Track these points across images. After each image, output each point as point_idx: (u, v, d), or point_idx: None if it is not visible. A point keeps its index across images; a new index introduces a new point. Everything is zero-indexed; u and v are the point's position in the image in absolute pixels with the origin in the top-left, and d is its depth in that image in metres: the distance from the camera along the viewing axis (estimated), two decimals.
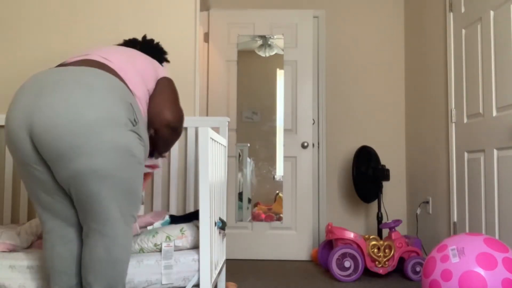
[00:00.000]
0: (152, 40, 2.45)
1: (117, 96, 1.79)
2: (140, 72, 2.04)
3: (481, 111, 3.11)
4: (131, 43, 2.41)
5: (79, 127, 1.69)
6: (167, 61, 2.52)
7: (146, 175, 2.31)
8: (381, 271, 3.37)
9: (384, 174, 3.81)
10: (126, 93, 1.86)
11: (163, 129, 2.05)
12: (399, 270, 3.53)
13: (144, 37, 2.46)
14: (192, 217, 2.50)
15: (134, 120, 1.84)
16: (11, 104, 1.81)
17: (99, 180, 1.74)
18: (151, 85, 2.09)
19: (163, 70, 2.19)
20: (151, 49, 2.41)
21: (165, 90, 2.09)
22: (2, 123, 2.94)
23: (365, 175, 3.97)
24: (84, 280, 1.84)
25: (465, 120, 3.33)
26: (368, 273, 3.55)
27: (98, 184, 1.74)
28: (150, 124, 2.06)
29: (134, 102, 1.88)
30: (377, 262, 3.38)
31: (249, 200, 4.26)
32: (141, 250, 2.23)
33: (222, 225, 2.41)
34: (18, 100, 1.77)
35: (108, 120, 1.73)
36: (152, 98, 2.07)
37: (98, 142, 1.71)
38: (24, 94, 1.77)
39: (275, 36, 4.31)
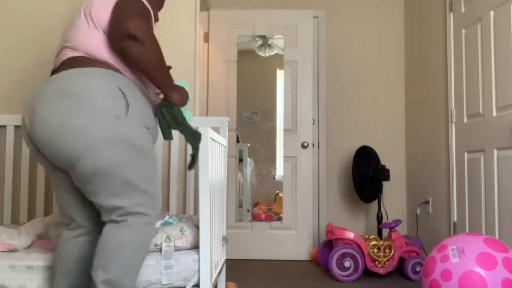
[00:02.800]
0: None
1: (100, 91, 1.75)
2: (98, 21, 1.83)
3: (481, 111, 3.11)
4: None
5: (68, 136, 1.71)
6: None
7: None
8: (381, 271, 3.37)
9: (384, 174, 3.81)
10: (109, 78, 1.79)
11: (125, 46, 1.75)
12: (399, 270, 3.53)
13: None
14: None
15: (126, 105, 1.78)
16: None
17: (103, 177, 1.75)
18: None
19: None
20: None
21: (121, 7, 1.80)
22: (2, 123, 2.95)
23: (365, 175, 3.97)
24: (92, 268, 1.80)
25: (465, 120, 3.33)
26: (368, 273, 3.55)
27: (103, 180, 1.75)
28: (113, 49, 1.83)
29: (118, 79, 1.80)
30: (377, 262, 3.38)
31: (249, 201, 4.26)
32: None
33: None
34: (23, 116, 1.85)
35: (96, 121, 1.72)
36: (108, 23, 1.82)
37: (92, 145, 1.72)
38: (23, 111, 1.84)
39: (275, 36, 4.31)
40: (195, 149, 1.98)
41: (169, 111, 1.95)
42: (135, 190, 1.79)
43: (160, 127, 1.98)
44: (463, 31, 3.35)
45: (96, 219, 1.93)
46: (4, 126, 2.98)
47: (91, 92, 1.75)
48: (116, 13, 1.78)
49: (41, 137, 1.75)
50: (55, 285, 1.93)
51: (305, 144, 4.21)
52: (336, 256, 3.34)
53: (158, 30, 3.08)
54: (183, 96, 1.98)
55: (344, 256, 3.34)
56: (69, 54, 1.85)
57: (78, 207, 1.94)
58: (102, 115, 1.73)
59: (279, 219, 4.21)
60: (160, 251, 2.19)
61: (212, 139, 2.27)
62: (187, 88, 2.05)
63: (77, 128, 1.71)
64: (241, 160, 4.25)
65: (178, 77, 3.08)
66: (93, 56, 1.83)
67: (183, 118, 1.98)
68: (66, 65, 1.84)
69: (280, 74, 4.32)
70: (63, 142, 1.72)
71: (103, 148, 1.73)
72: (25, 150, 2.94)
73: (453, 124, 3.49)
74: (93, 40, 1.83)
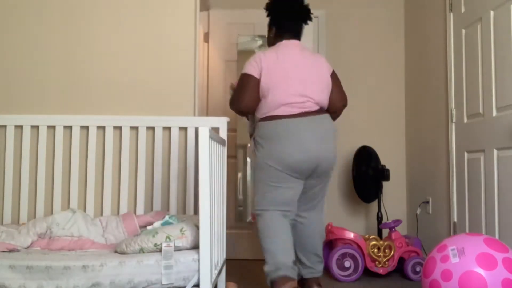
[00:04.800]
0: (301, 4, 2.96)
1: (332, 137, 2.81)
2: (327, 87, 2.90)
3: (481, 111, 3.11)
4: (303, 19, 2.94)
5: (334, 163, 2.80)
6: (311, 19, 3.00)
7: None
8: (381, 271, 3.37)
9: (384, 174, 3.80)
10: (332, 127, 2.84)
11: (340, 112, 3.11)
12: (399, 270, 3.53)
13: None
14: None
15: None
16: (287, 141, 2.64)
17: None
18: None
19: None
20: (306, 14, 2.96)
21: (336, 81, 3.03)
22: (2, 123, 2.95)
23: (365, 175, 3.96)
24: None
25: (465, 120, 3.33)
26: (368, 273, 3.55)
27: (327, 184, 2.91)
28: (334, 110, 3.00)
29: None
30: (377, 262, 3.38)
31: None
32: (141, 250, 2.23)
33: None
34: (302, 142, 2.65)
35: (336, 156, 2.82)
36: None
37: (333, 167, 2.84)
38: (306, 138, 2.66)
39: None
40: None
41: None
42: None
43: None
44: (463, 31, 3.35)
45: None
46: (4, 126, 2.98)
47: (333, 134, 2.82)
48: (337, 87, 3.00)
49: (329, 162, 2.76)
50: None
51: None
52: (336, 256, 3.34)
53: (159, 30, 3.09)
54: None
55: (344, 256, 3.34)
56: (313, 107, 2.76)
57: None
58: None
59: None
60: (160, 251, 2.19)
61: (212, 139, 2.27)
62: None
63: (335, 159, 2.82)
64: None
65: (178, 77, 3.08)
66: (323, 109, 2.86)
67: None
68: (317, 112, 2.78)
69: None
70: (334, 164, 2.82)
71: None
72: (25, 150, 2.94)
73: (453, 124, 3.49)
74: (327, 100, 2.87)
